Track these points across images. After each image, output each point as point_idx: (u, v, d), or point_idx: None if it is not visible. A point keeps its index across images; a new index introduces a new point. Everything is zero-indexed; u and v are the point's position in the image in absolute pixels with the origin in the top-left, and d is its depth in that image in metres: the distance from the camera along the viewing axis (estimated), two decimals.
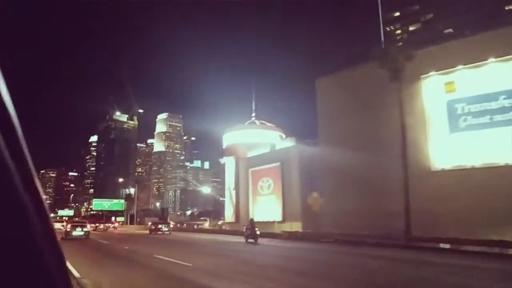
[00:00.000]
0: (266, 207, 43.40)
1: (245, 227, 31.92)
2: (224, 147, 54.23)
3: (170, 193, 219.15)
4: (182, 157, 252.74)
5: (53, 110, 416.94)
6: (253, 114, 54.72)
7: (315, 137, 45.47)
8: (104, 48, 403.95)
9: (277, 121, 54.54)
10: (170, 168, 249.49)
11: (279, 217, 41.08)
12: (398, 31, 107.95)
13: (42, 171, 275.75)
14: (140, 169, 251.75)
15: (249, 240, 27.82)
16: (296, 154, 40.87)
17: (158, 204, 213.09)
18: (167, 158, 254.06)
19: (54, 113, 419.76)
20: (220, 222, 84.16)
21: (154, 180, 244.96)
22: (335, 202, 34.14)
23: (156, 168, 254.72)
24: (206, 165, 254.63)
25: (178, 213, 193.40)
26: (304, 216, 38.23)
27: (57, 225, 48.45)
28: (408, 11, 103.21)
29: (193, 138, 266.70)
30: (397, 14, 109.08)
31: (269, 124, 52.71)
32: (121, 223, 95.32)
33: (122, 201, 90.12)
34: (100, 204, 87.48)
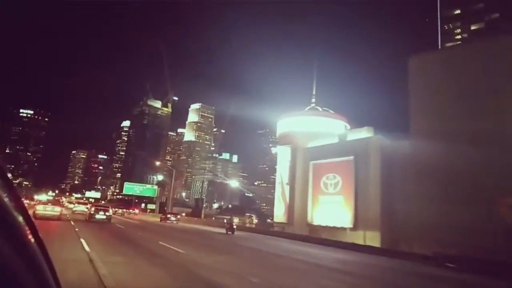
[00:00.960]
0: (331, 209, 35.50)
1: (225, 221, 37.85)
2: (277, 135, 46.69)
3: (198, 184, 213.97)
4: (212, 149, 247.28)
5: (89, 93, 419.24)
6: (313, 100, 46.69)
7: (390, 129, 37.66)
8: (143, 32, 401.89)
9: (339, 110, 46.25)
10: (199, 159, 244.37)
11: (347, 223, 33.15)
12: (458, 30, 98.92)
13: (73, 152, 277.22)
14: (168, 157, 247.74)
15: (228, 232, 31.65)
16: (375, 148, 32.77)
17: (184, 194, 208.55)
18: (196, 148, 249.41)
19: (89, 96, 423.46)
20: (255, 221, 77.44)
21: (182, 170, 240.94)
22: (431, 211, 26.28)
23: (184, 157, 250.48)
24: (234, 158, 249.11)
25: (204, 205, 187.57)
26: (383, 225, 30.35)
27: (81, 207, 49.41)
28: (470, 9, 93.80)
29: (223, 131, 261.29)
30: (458, 12, 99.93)
31: (332, 112, 44.57)
32: (149, 211, 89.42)
33: (155, 187, 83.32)
34: (131, 188, 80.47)
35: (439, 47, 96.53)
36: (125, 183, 79.52)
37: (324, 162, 37.02)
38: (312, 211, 37.48)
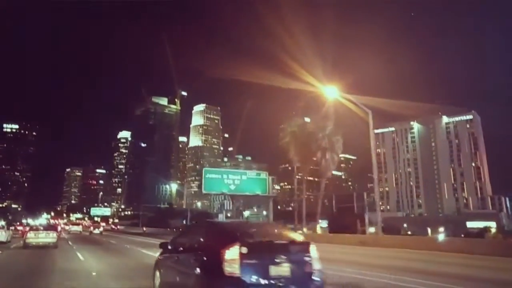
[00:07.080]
0: None
1: None
2: None
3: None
4: (228, 150, 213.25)
5: (80, 101, 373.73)
6: None
7: None
8: (141, 28, 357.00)
9: None
10: (207, 165, 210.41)
11: None
12: None
13: (67, 170, 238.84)
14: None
15: None
16: None
17: (199, 204, 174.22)
18: (204, 153, 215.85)
19: (81, 105, 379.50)
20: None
21: (190, 178, 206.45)
22: None
23: (192, 164, 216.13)
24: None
25: (228, 215, 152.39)
26: None
27: (76, 228, 51.40)
28: None
29: (226, 135, 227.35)
30: None
31: None
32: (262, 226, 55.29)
33: (263, 175, 42.53)
34: (216, 180, 37.17)
35: None
36: (204, 169, 41.54)
37: None
38: None
